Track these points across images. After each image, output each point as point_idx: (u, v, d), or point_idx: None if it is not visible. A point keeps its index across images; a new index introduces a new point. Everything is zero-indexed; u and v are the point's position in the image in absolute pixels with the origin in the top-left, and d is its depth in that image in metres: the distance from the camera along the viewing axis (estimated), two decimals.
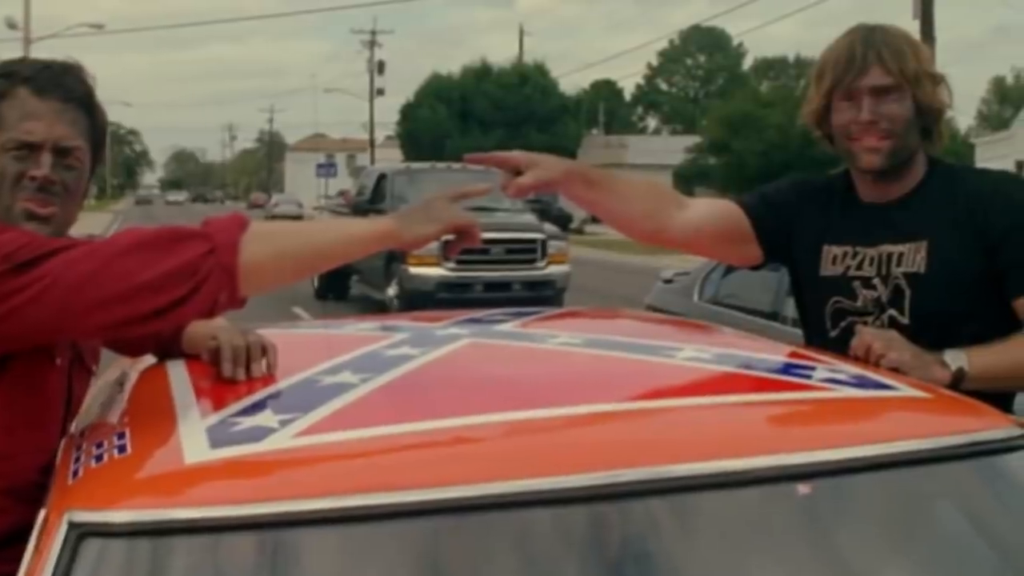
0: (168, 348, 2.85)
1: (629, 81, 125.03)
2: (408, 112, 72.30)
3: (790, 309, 6.71)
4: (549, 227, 20.65)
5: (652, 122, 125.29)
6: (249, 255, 2.31)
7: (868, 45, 3.01)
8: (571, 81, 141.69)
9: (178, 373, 2.67)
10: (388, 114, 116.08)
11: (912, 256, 3.03)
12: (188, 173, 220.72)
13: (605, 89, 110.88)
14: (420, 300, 17.55)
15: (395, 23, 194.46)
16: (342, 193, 41.32)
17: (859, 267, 3.12)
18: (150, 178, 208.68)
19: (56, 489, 2.14)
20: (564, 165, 3.12)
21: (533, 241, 19.42)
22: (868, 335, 2.84)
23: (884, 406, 2.38)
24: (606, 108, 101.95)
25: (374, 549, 1.92)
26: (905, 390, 2.45)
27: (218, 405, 2.32)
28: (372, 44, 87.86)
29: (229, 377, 2.54)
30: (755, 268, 3.44)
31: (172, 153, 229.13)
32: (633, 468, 1.95)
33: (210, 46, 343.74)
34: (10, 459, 2.49)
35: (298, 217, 57.76)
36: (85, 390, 2.80)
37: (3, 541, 2.36)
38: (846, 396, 2.38)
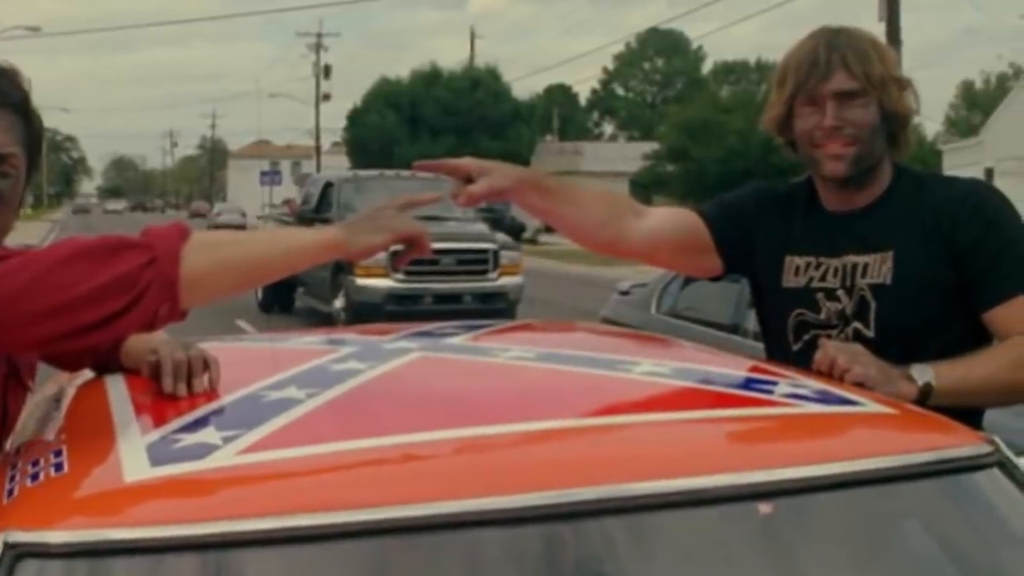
0: (107, 362, 2.80)
1: (584, 85, 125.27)
2: (355, 118, 72.49)
3: (751, 322, 6.74)
4: (501, 237, 20.73)
5: (608, 128, 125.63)
6: (191, 266, 2.26)
7: (832, 48, 2.98)
8: (524, 85, 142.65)
9: (117, 388, 2.62)
10: (335, 120, 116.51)
11: (878, 267, 3.00)
12: (127, 181, 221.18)
13: (559, 94, 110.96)
14: (368, 312, 17.54)
15: (341, 25, 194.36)
16: (287, 202, 41.60)
17: (822, 278, 3.08)
18: (88, 186, 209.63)
19: None
20: (517, 173, 3.08)
21: (485, 251, 19.45)
22: (832, 349, 2.80)
23: (849, 422, 2.36)
24: (560, 113, 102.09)
25: (320, 570, 1.89)
26: (870, 406, 2.42)
27: (159, 421, 2.28)
28: (318, 47, 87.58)
29: (170, 392, 2.49)
30: (715, 279, 3.40)
31: (111, 160, 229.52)
32: (589, 486, 1.92)
33: (150, 50, 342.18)
34: None
35: (241, 227, 57.95)
36: (20, 406, 2.75)
37: None
38: (809, 412, 2.36)
